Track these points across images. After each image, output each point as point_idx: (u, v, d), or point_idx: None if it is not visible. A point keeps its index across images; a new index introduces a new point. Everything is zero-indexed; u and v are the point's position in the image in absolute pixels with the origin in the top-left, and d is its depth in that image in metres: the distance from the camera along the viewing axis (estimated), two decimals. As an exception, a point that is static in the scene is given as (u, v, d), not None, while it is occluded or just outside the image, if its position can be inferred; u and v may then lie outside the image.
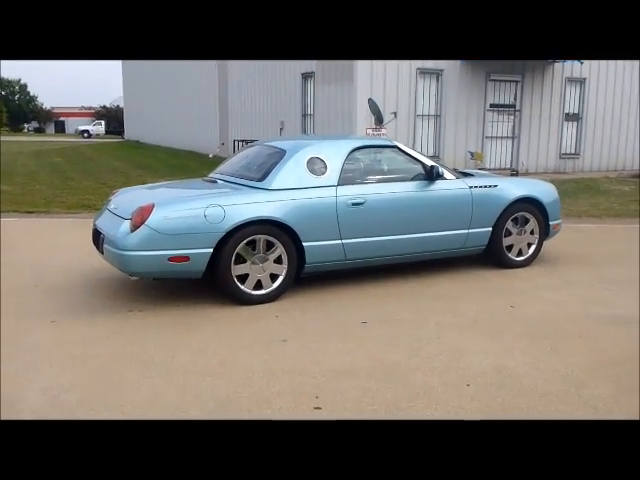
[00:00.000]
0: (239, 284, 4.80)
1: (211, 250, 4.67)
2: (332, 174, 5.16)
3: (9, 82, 74.90)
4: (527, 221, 6.07)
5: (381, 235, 5.29)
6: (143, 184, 12.22)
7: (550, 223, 6.20)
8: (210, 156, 21.34)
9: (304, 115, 15.69)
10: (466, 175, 6.01)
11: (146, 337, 4.20)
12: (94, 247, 5.26)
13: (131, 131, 36.65)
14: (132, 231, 4.57)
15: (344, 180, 5.21)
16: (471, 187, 5.72)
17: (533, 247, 6.16)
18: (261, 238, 4.82)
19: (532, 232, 6.11)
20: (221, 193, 4.95)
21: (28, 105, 74.94)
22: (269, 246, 4.87)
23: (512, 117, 14.61)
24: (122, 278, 5.37)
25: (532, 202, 6.05)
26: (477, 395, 3.30)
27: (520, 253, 6.10)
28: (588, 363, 3.77)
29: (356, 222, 5.17)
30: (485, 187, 5.80)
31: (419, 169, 5.59)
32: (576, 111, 15.35)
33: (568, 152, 15.41)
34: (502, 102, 14.41)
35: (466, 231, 5.71)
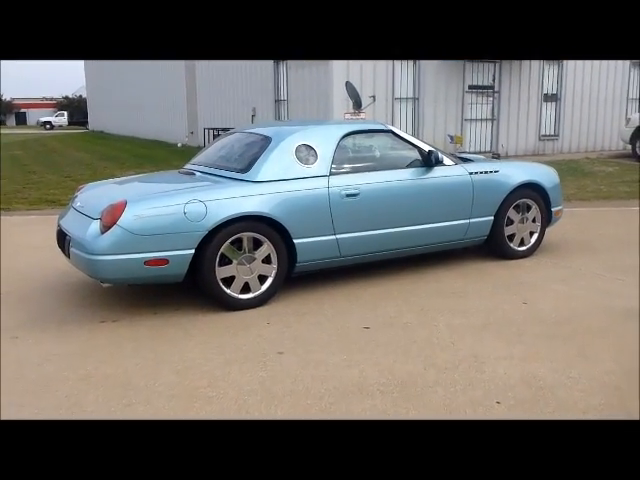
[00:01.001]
0: (224, 288, 4.30)
1: (192, 251, 4.16)
2: (323, 163, 4.68)
3: (-34, 73, 72.24)
4: (529, 208, 5.67)
5: (378, 228, 4.83)
6: (111, 178, 11.58)
7: (552, 209, 5.81)
8: (179, 145, 20.64)
9: (277, 101, 15.12)
10: (465, 160, 5.58)
11: (122, 353, 3.69)
12: (59, 249, 4.71)
13: (95, 122, 35.53)
14: (102, 232, 4.04)
15: (336, 169, 4.73)
16: (471, 173, 5.29)
17: (535, 236, 5.77)
18: (247, 236, 4.32)
19: (534, 220, 5.72)
20: (201, 187, 4.42)
21: (-13, 97, 72.51)
22: (256, 244, 4.38)
23: (491, 99, 14.26)
24: (92, 283, 4.83)
25: (534, 187, 5.65)
26: (512, 415, 2.87)
27: (522, 242, 5.70)
28: (623, 367, 3.38)
29: (351, 215, 4.70)
30: (486, 173, 5.38)
31: (416, 155, 5.13)
32: (554, 92, 15.06)
33: (547, 134, 15.13)
34: (481, 84, 14.03)
35: (467, 221, 5.28)
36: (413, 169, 5.06)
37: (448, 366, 3.43)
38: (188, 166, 5.26)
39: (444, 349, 3.66)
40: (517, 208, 5.60)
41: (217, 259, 4.23)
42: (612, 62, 15.54)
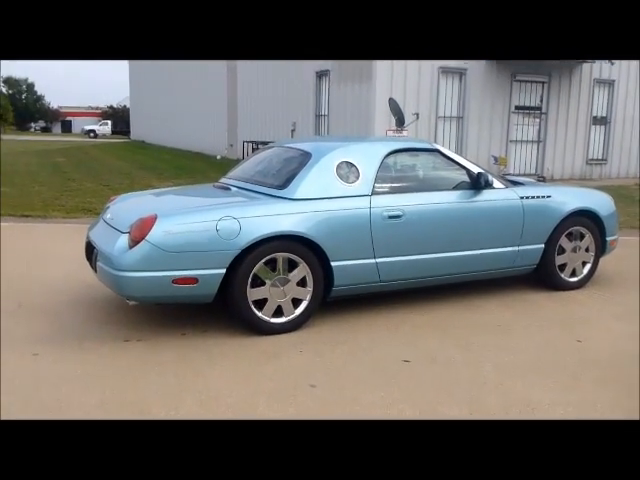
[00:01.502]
0: (256, 310, 4.05)
1: (224, 271, 3.92)
2: (365, 181, 4.41)
3: (16, 81, 74.41)
4: (582, 236, 5.30)
5: (421, 253, 4.54)
6: (147, 188, 11.49)
7: (607, 239, 5.43)
8: (218, 157, 20.64)
9: (318, 115, 14.94)
10: (515, 184, 5.25)
11: (144, 378, 3.46)
12: (87, 262, 4.53)
13: (137, 131, 35.99)
14: (130, 247, 3.83)
15: (379, 189, 4.45)
16: (522, 198, 4.96)
17: (588, 266, 5.39)
18: (282, 257, 4.07)
19: (587, 249, 5.35)
20: (236, 203, 4.20)
21: (35, 104, 74.41)
22: (291, 266, 4.12)
23: (538, 120, 13.83)
24: (119, 299, 4.63)
25: (588, 215, 5.28)
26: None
27: (574, 273, 5.33)
28: (695, 424, 3.01)
29: (393, 238, 4.41)
30: (538, 198, 5.04)
31: (463, 176, 4.83)
32: (604, 114, 14.55)
33: (595, 157, 14.62)
34: (527, 104, 13.63)
35: (516, 248, 4.95)
36: (460, 191, 4.75)
37: (496, 412, 3.11)
38: (224, 180, 5.05)
39: (491, 391, 3.34)
40: (570, 236, 5.24)
41: (249, 280, 3.99)
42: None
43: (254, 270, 3.99)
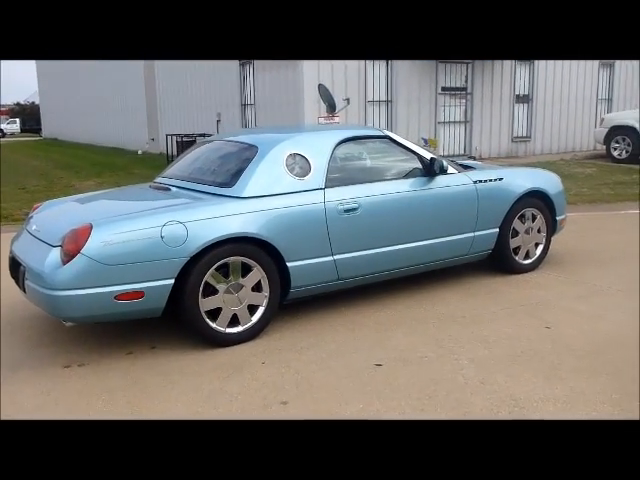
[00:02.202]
0: (209, 322, 3.71)
1: (172, 281, 3.56)
2: (317, 174, 4.12)
3: None
4: (534, 218, 5.21)
5: (379, 246, 4.30)
6: (67, 189, 10.79)
7: (557, 218, 5.37)
8: (139, 153, 19.82)
9: (244, 105, 14.49)
10: (465, 167, 5.08)
11: (91, 409, 3.06)
12: (12, 280, 4.04)
13: (49, 128, 34.22)
14: (64, 263, 3.40)
15: (331, 181, 4.17)
16: (475, 182, 4.80)
17: (541, 247, 5.31)
18: (235, 261, 3.74)
19: (539, 230, 5.26)
20: (179, 205, 3.81)
21: None
22: (245, 270, 3.79)
23: (464, 100, 13.91)
24: (52, 317, 4.16)
25: (539, 195, 5.20)
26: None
27: (527, 255, 5.24)
28: (684, 409, 2.92)
29: (349, 233, 4.15)
30: (490, 181, 4.89)
31: (416, 163, 4.61)
32: (526, 92, 14.81)
33: (520, 135, 14.87)
34: (453, 85, 13.67)
35: (472, 234, 4.79)
36: (415, 179, 4.54)
37: (485, 413, 2.91)
38: (160, 179, 4.63)
39: (475, 391, 3.14)
40: (522, 218, 5.13)
41: (201, 289, 3.63)
42: (582, 63, 15.39)
43: (205, 278, 3.64)
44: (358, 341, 3.85)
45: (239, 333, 3.82)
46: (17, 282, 3.87)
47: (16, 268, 3.85)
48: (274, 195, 3.93)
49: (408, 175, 4.55)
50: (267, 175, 3.96)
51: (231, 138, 4.53)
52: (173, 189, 4.26)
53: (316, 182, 4.09)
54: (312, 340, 3.87)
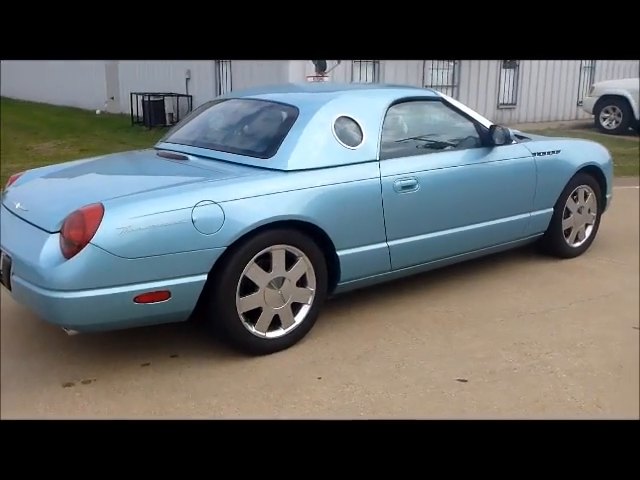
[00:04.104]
0: (248, 325, 2.99)
1: (204, 277, 2.81)
2: (370, 143, 3.39)
3: None
4: (585, 196, 4.61)
5: (436, 230, 3.63)
6: (24, 151, 9.66)
7: (607, 196, 4.80)
8: (97, 112, 18.48)
9: (218, 62, 13.43)
10: (520, 137, 4.42)
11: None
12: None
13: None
14: (67, 255, 2.61)
15: (385, 151, 3.45)
16: (534, 154, 4.15)
17: (590, 228, 4.74)
18: (279, 250, 3.01)
19: (588, 210, 4.68)
20: (210, 180, 3.02)
21: None
22: (288, 261, 3.07)
23: (452, 64, 13.22)
24: (40, 317, 3.37)
25: (591, 171, 4.59)
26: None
27: (577, 238, 4.66)
28: None
29: (405, 214, 3.46)
30: (549, 154, 4.25)
31: (472, 131, 3.93)
32: (512, 57, 14.20)
33: (506, 102, 14.31)
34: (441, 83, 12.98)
35: (528, 215, 4.17)
36: (473, 150, 3.86)
37: (625, 454, 2.30)
38: (168, 145, 3.81)
39: (599, 418, 2.53)
40: (574, 196, 4.53)
41: (238, 286, 2.90)
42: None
43: (244, 272, 2.90)
44: (423, 346, 3.19)
45: (281, 338, 3.11)
46: (-2, 276, 3.05)
47: (-4, 257, 3.02)
48: (322, 168, 3.19)
49: (464, 145, 3.87)
50: (314, 143, 3.21)
51: (258, 96, 3.72)
52: (191, 158, 3.45)
53: (369, 152, 3.36)
54: (367, 346, 3.19)
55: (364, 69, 12.05)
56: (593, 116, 13.17)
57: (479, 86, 13.67)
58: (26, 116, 18.34)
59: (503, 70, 14.04)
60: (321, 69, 9.50)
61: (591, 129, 13.24)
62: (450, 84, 13.29)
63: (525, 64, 14.35)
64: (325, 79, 9.57)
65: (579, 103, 15.05)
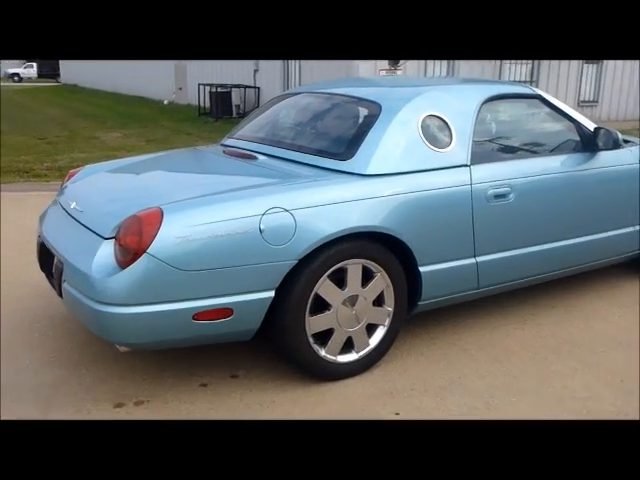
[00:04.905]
0: (317, 348, 2.66)
1: (272, 294, 2.49)
2: (460, 145, 3.00)
3: None
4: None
5: (529, 245, 3.21)
6: (91, 140, 9.63)
7: None
8: (165, 103, 18.63)
9: (284, 54, 13.20)
10: (625, 142, 3.92)
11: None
12: (44, 275, 3.00)
13: (68, 74, 32.85)
14: (121, 265, 2.34)
15: (476, 155, 3.06)
16: (642, 160, 3.66)
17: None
18: (355, 265, 2.66)
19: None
20: (281, 184, 2.70)
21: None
22: (365, 277, 2.72)
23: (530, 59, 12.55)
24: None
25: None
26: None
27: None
28: None
29: (497, 226, 3.05)
30: (658, 160, 3.75)
31: (573, 134, 3.48)
32: (596, 52, 13.38)
33: (587, 99, 13.52)
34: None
35: (632, 229, 3.68)
36: (574, 155, 3.41)
37: None
38: (235, 142, 3.52)
39: None
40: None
41: (309, 304, 2.57)
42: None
43: (316, 288, 2.57)
44: (514, 380, 2.79)
45: (353, 363, 2.77)
46: (50, 280, 2.83)
47: (48, 260, 2.80)
48: (406, 173, 2.82)
49: (564, 149, 3.42)
50: (397, 144, 2.84)
51: (334, 90, 3.38)
52: (260, 157, 3.14)
53: (460, 156, 2.97)
54: (450, 375, 2.82)
55: (437, 63, 11.54)
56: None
57: (559, 82, 12.94)
58: (94, 104, 18.64)
59: (585, 66, 13.25)
60: (394, 62, 9.10)
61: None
62: (529, 79, 12.62)
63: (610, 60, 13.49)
64: (398, 72, 9.16)
65: (667, 101, 14.09)
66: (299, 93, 3.66)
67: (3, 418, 2.45)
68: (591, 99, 13.62)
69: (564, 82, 13.00)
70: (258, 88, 13.99)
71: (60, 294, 2.65)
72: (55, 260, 2.68)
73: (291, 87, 12.76)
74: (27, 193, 6.49)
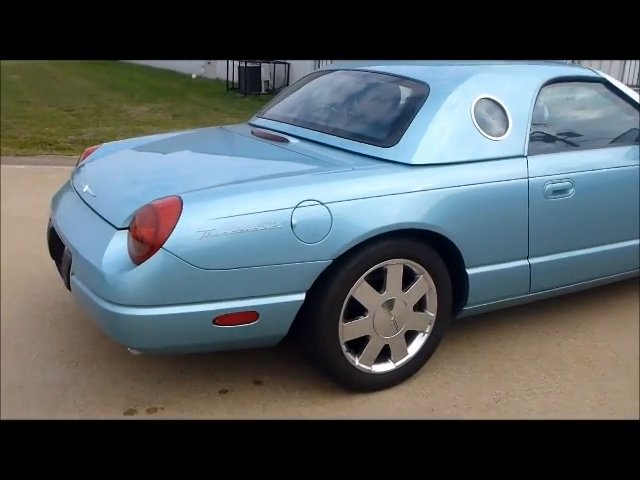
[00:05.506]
0: (351, 356, 2.39)
1: (302, 296, 2.22)
2: (517, 133, 2.67)
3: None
4: None
5: (590, 246, 2.88)
6: (117, 114, 9.39)
7: None
8: (193, 77, 18.32)
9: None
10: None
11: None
12: (54, 263, 2.77)
13: (98, 45, 32.68)
14: (136, 260, 2.08)
15: (534, 145, 2.73)
16: None
17: None
18: (396, 265, 2.37)
19: None
20: (315, 173, 2.41)
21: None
22: (405, 279, 2.43)
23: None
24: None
25: None
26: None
27: None
28: None
29: (555, 225, 2.73)
30: None
31: (635, 122, 3.12)
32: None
33: (633, 84, 12.90)
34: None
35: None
36: (638, 146, 3.05)
37: None
38: (264, 122, 3.22)
39: None
40: None
41: (343, 308, 2.29)
42: None
43: (351, 291, 2.29)
44: (570, 398, 2.49)
45: (389, 373, 2.50)
46: (59, 269, 2.58)
47: (58, 247, 2.56)
48: (457, 163, 2.51)
49: (629, 140, 3.07)
50: (448, 131, 2.52)
51: (374, 68, 3.06)
52: (292, 140, 2.85)
53: (516, 145, 2.64)
54: (497, 390, 2.53)
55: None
56: None
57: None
58: (124, 77, 18.43)
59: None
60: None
61: None
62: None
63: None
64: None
65: None
66: (335, 70, 3.34)
67: (3, 418, 2.26)
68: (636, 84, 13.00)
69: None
70: (288, 64, 13.61)
71: (68, 286, 2.40)
72: (64, 250, 2.44)
73: (322, 65, 12.37)
74: (47, 169, 6.28)
